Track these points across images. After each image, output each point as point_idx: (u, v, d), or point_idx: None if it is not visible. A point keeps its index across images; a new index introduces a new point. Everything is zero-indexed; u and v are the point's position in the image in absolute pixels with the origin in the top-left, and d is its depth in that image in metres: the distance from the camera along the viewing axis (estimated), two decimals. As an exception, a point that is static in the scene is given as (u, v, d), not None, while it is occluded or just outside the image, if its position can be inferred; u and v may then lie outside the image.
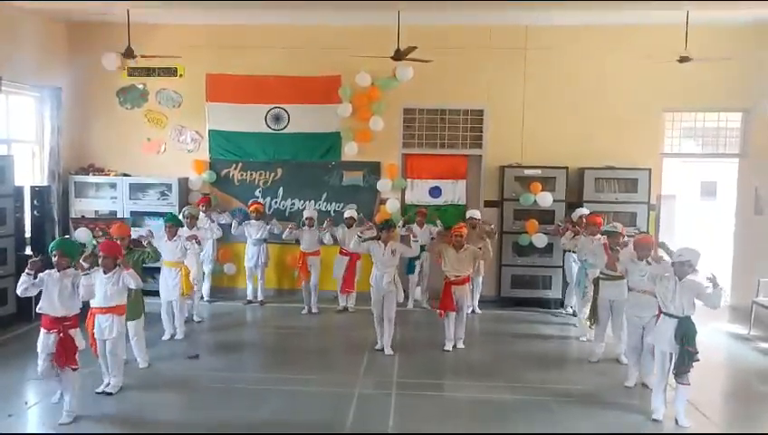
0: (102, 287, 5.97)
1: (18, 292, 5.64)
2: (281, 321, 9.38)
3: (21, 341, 7.93)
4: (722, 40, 9.59)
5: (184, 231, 8.40)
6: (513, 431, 5.65)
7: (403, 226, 9.66)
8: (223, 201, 10.64)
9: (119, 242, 6.75)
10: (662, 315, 5.86)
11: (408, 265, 9.72)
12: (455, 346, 7.96)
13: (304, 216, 9.77)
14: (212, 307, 9.80)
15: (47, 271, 5.60)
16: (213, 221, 9.66)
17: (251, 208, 9.92)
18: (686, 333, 5.66)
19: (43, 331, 5.59)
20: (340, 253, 9.65)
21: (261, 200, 10.42)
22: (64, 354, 5.53)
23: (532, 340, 8.56)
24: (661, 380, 5.94)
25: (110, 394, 6.22)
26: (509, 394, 6.50)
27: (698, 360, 5.70)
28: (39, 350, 5.60)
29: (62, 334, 5.53)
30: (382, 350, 7.75)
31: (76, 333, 5.67)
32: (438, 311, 7.98)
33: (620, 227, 7.64)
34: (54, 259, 5.59)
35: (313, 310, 9.71)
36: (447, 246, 7.89)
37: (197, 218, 9.12)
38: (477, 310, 9.76)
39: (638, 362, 6.75)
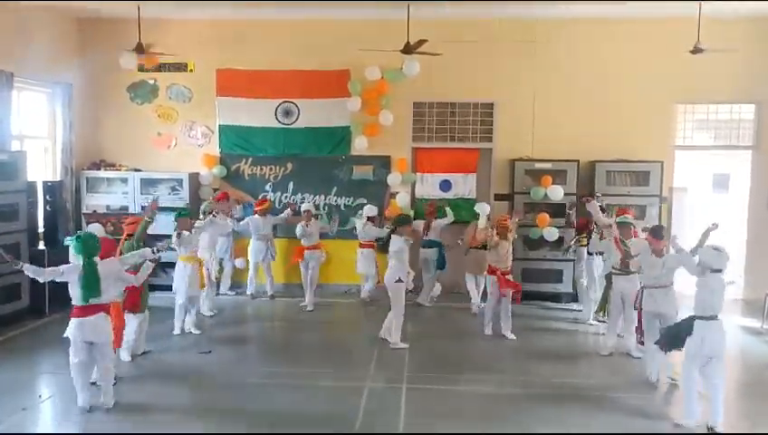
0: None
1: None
2: (291, 315, 9.40)
3: (34, 335, 8.02)
4: (735, 31, 9.51)
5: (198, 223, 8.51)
6: (525, 426, 5.64)
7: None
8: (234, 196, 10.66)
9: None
10: (697, 321, 5.58)
11: (439, 261, 9.68)
12: (504, 336, 8.13)
13: (302, 209, 9.77)
14: (220, 301, 9.77)
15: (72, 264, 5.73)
16: (232, 216, 9.69)
17: (257, 209, 9.91)
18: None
19: (75, 320, 5.62)
20: (361, 246, 9.69)
21: (269, 197, 10.44)
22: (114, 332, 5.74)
23: (543, 333, 8.54)
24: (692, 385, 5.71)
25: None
26: (520, 388, 6.50)
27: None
28: (73, 340, 5.64)
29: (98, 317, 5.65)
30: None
31: (109, 317, 5.78)
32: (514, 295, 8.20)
33: (631, 216, 7.62)
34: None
35: (309, 307, 9.52)
36: (497, 239, 8.06)
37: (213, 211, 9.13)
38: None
39: (654, 356, 6.65)
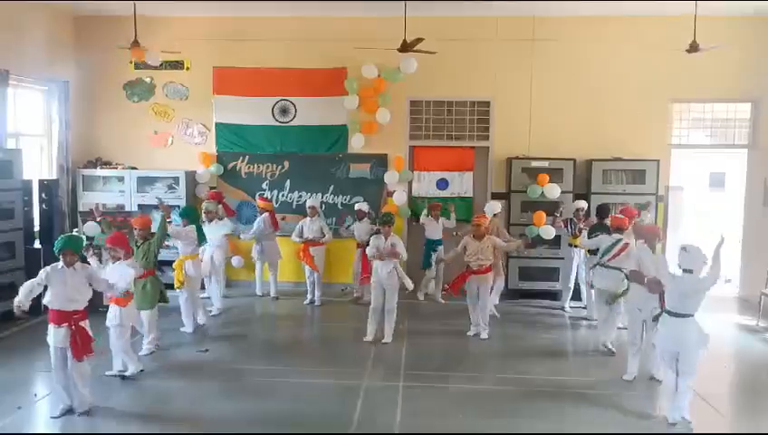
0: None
1: (21, 295, 5.57)
2: (288, 313, 9.42)
3: (29, 334, 7.97)
4: (731, 30, 9.52)
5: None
6: (522, 423, 5.65)
7: (427, 215, 9.85)
8: (232, 195, 10.66)
9: (140, 232, 7.05)
10: (663, 314, 5.68)
11: (424, 260, 9.74)
12: (478, 335, 8.05)
13: (307, 205, 9.79)
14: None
15: (50, 266, 5.61)
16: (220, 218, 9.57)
17: (269, 210, 9.89)
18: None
19: (52, 326, 5.56)
20: (358, 246, 9.71)
21: (266, 196, 10.45)
22: (80, 346, 5.54)
23: (540, 331, 8.55)
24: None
25: (125, 378, 6.46)
26: (516, 386, 6.50)
27: None
28: (50, 344, 5.60)
29: (73, 327, 5.53)
30: (372, 342, 7.77)
31: (86, 325, 5.68)
32: (446, 288, 8.16)
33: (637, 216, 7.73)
34: (66, 259, 5.55)
35: (316, 302, 9.71)
36: (469, 237, 8.01)
37: (216, 212, 9.14)
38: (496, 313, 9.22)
39: (637, 355, 6.71)
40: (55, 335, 5.56)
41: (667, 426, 5.60)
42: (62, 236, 5.82)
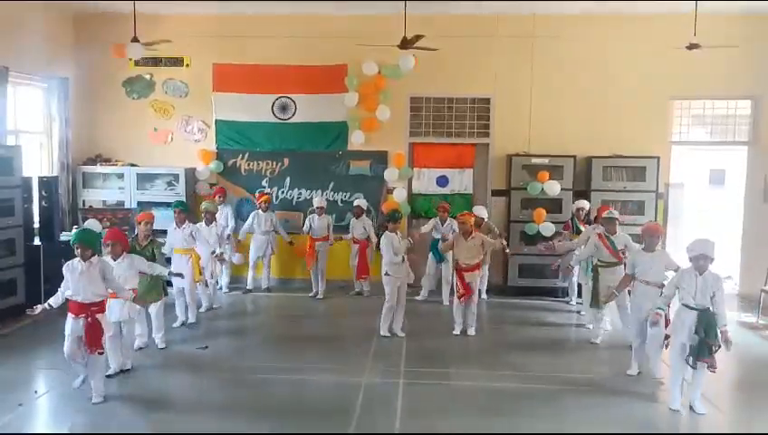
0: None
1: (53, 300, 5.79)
2: (288, 309, 9.44)
3: (30, 331, 7.97)
4: (731, 27, 9.51)
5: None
6: (521, 420, 5.64)
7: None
8: (232, 192, 10.68)
9: (144, 226, 7.06)
10: (681, 307, 5.78)
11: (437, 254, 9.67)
12: (465, 332, 8.03)
13: (315, 204, 9.84)
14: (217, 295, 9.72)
15: (68, 262, 5.73)
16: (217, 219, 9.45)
17: (259, 201, 9.94)
18: (707, 326, 5.58)
19: (70, 316, 5.70)
20: (353, 241, 9.76)
21: (267, 191, 10.42)
22: (92, 339, 5.64)
23: (539, 328, 8.57)
24: (677, 372, 5.86)
25: (127, 370, 6.49)
26: (516, 383, 6.50)
27: (716, 350, 5.65)
28: (66, 333, 5.71)
29: (90, 319, 5.64)
30: (392, 335, 7.88)
31: (103, 318, 5.79)
32: (459, 297, 8.02)
33: (617, 213, 7.72)
34: (78, 251, 5.67)
35: (319, 295, 9.80)
36: (458, 235, 8.01)
37: (215, 214, 9.14)
38: (484, 295, 9.76)
39: (639, 351, 6.73)
40: (73, 326, 5.68)
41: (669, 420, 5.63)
42: (77, 229, 5.92)
